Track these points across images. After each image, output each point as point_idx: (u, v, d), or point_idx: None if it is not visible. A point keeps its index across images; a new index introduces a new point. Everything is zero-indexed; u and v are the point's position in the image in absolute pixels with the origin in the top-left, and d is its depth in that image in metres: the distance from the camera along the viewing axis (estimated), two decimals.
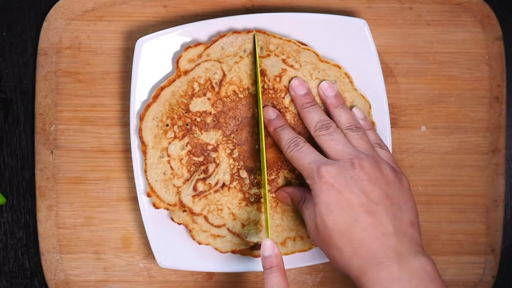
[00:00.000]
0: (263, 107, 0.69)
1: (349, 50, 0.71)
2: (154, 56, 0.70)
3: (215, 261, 0.71)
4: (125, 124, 0.74)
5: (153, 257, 0.74)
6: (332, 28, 0.70)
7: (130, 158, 0.73)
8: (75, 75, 0.74)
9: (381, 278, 0.57)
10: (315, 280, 0.75)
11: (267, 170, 0.69)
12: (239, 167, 0.70)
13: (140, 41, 0.70)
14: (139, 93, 0.70)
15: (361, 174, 0.61)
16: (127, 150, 0.74)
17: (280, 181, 0.70)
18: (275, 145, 0.69)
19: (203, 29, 0.70)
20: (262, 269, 0.71)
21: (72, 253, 0.74)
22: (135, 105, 0.70)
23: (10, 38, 0.75)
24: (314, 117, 0.67)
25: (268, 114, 0.68)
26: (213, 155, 0.69)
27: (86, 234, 0.74)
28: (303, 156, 0.64)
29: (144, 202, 0.71)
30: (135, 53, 0.70)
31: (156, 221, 0.71)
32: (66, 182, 0.74)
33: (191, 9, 0.74)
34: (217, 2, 0.75)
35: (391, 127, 0.74)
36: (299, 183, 0.69)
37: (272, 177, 0.70)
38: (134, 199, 0.74)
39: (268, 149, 0.69)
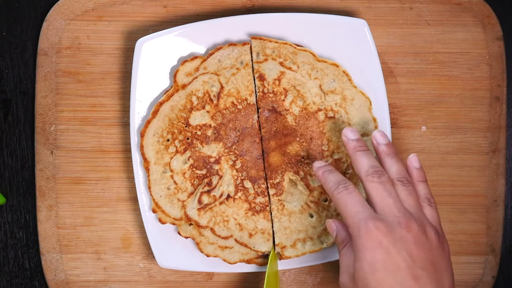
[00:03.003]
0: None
1: (349, 50, 0.71)
2: (154, 56, 0.70)
3: (215, 261, 0.71)
4: (125, 124, 0.74)
5: (153, 257, 0.74)
6: (332, 28, 0.70)
7: (130, 158, 0.73)
8: (75, 75, 0.74)
9: None
10: (315, 280, 0.75)
11: (271, 174, 0.70)
12: (242, 177, 0.70)
13: (140, 41, 0.70)
14: (139, 93, 0.70)
15: (409, 236, 0.58)
16: (127, 150, 0.74)
17: (285, 184, 0.70)
18: (278, 148, 0.69)
19: (203, 29, 0.70)
20: (261, 270, 0.71)
21: (72, 253, 0.74)
22: (135, 105, 0.70)
23: (10, 38, 0.75)
24: (366, 162, 0.63)
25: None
26: (216, 167, 0.70)
27: (86, 234, 0.74)
28: (352, 202, 0.61)
29: (144, 202, 0.71)
30: (135, 53, 0.70)
31: (156, 221, 0.71)
32: (66, 182, 0.74)
33: (191, 9, 0.74)
34: (217, 2, 0.74)
35: (391, 127, 0.74)
36: (304, 184, 0.70)
37: (277, 180, 0.70)
38: (134, 199, 0.74)
39: (271, 153, 0.69)
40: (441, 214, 0.75)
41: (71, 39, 0.74)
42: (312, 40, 0.71)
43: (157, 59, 0.70)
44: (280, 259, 0.70)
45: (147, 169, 0.69)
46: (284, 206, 0.70)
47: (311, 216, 0.70)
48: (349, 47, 0.71)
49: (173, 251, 0.71)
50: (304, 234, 0.70)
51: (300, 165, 0.70)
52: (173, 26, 0.71)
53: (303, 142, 0.70)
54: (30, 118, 0.75)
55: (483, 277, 0.75)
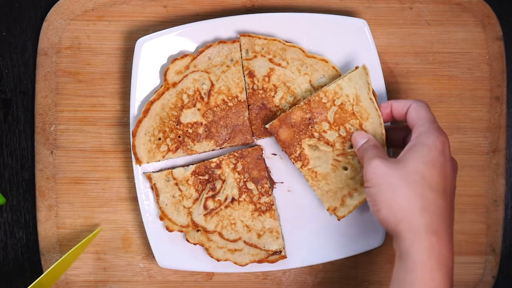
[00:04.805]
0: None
1: (349, 50, 0.71)
2: (154, 56, 0.70)
3: (215, 261, 0.71)
4: (125, 124, 0.74)
5: (153, 257, 0.74)
6: (332, 28, 0.70)
7: (130, 158, 0.73)
8: (75, 75, 0.74)
9: None
10: (315, 280, 0.75)
11: (289, 149, 0.68)
12: (245, 179, 0.70)
13: (140, 41, 0.70)
14: (139, 93, 0.71)
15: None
16: (127, 150, 0.74)
17: (307, 152, 0.68)
18: (283, 123, 0.68)
19: (203, 29, 0.70)
20: (261, 269, 0.71)
21: None
22: (135, 105, 0.71)
23: (10, 38, 0.75)
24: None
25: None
26: (218, 171, 0.70)
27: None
28: None
29: (144, 202, 0.71)
30: (135, 53, 0.70)
31: (156, 221, 0.71)
32: (66, 182, 0.74)
33: (191, 9, 0.74)
34: (217, 2, 0.74)
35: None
36: (324, 142, 0.68)
37: (298, 152, 0.68)
38: (134, 199, 0.74)
39: (279, 130, 0.68)
40: None
41: (71, 39, 0.74)
42: (311, 39, 0.71)
43: (157, 59, 0.70)
44: (337, 219, 0.69)
45: (149, 178, 0.70)
46: (316, 172, 0.68)
47: (345, 169, 0.68)
48: (349, 47, 0.71)
49: (173, 251, 0.71)
50: (347, 188, 0.68)
51: (311, 127, 0.68)
52: (173, 26, 0.71)
53: (303, 105, 0.68)
54: (30, 118, 0.75)
55: (483, 277, 0.75)
